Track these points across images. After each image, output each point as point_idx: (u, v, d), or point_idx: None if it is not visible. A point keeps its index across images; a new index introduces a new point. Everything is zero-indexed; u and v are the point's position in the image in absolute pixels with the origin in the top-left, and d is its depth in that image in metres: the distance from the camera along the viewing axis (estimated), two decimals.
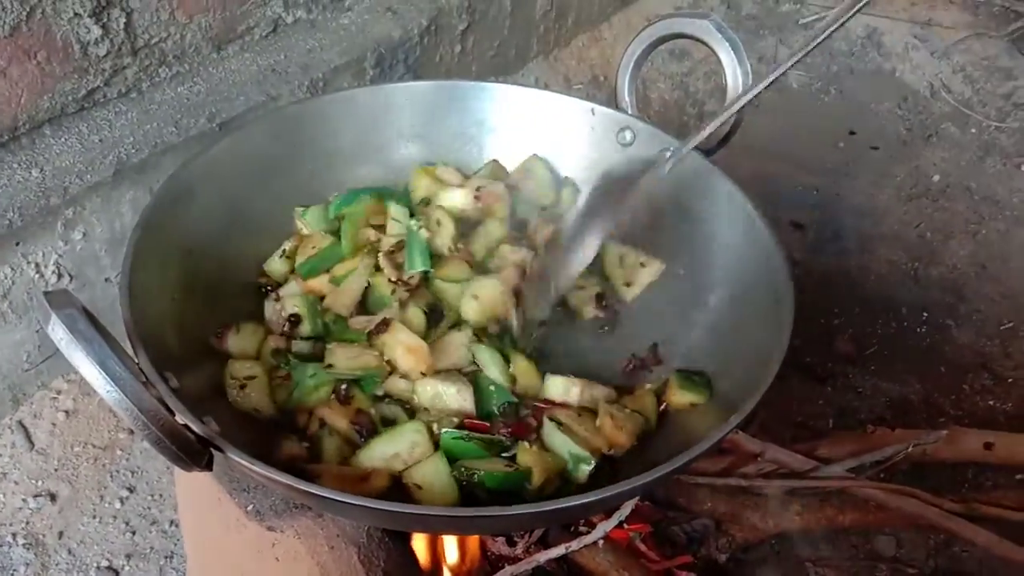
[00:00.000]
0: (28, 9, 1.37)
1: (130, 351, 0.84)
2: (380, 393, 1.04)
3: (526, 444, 0.99)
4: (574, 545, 1.27)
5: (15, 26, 1.36)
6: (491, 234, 1.23)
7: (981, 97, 2.67)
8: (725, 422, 0.86)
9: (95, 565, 1.46)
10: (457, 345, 1.09)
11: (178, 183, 1.08)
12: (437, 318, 1.13)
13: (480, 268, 1.19)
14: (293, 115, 1.25)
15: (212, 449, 0.81)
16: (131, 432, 1.61)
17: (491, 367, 1.07)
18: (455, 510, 0.89)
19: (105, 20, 1.47)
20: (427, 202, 1.25)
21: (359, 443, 0.99)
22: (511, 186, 1.28)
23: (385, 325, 1.06)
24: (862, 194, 2.38)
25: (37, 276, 1.48)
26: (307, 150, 1.23)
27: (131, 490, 1.56)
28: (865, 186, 2.40)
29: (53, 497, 1.52)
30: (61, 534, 1.49)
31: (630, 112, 1.25)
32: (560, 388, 1.06)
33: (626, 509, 1.28)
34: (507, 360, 1.08)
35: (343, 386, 1.02)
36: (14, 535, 1.47)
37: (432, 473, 0.94)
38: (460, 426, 1.01)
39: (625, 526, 1.36)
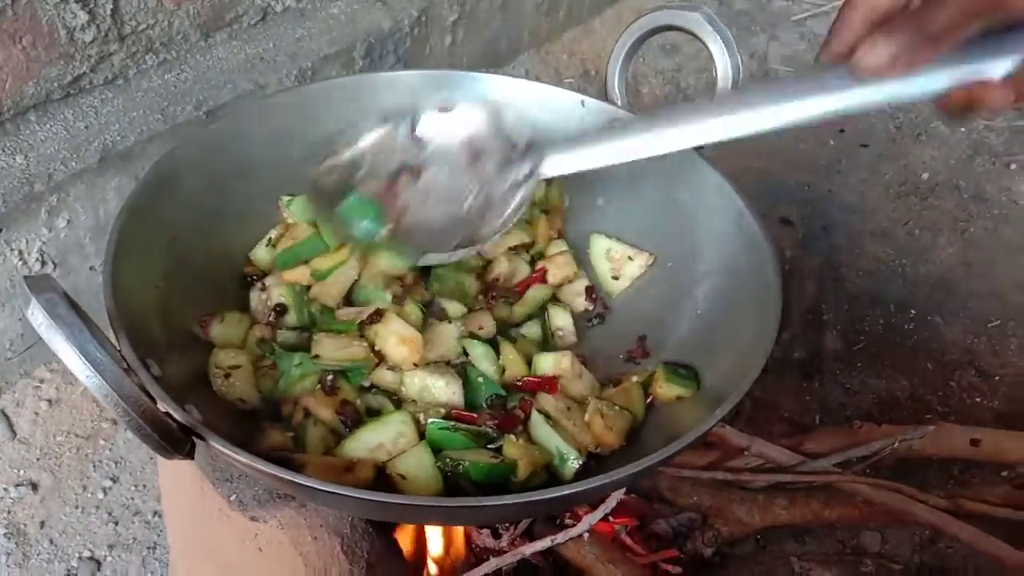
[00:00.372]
0: None
1: (113, 338, 0.83)
2: (366, 384, 1.03)
3: (512, 437, 0.98)
4: (559, 538, 1.27)
5: (0, 10, 1.34)
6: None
7: None
8: (711, 415, 0.86)
9: (77, 555, 1.45)
10: (447, 337, 1.08)
11: (164, 170, 1.07)
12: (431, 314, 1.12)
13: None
14: (281, 104, 1.24)
15: (194, 437, 0.80)
16: (114, 422, 1.60)
17: (483, 361, 1.06)
18: (438, 500, 0.88)
19: (92, 6, 1.45)
20: None
21: (344, 433, 0.98)
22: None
23: (379, 315, 1.05)
24: (851, 191, 2.39)
25: (20, 263, 1.47)
26: (294, 139, 1.22)
27: (114, 480, 1.55)
28: (854, 183, 2.41)
29: (35, 487, 1.51)
30: (43, 524, 1.48)
31: (620, 104, 1.25)
32: (550, 362, 1.06)
33: (612, 502, 1.28)
34: (497, 353, 1.08)
35: (329, 376, 1.02)
36: None
37: (416, 463, 0.93)
38: (447, 416, 1.00)
39: (611, 519, 1.37)
